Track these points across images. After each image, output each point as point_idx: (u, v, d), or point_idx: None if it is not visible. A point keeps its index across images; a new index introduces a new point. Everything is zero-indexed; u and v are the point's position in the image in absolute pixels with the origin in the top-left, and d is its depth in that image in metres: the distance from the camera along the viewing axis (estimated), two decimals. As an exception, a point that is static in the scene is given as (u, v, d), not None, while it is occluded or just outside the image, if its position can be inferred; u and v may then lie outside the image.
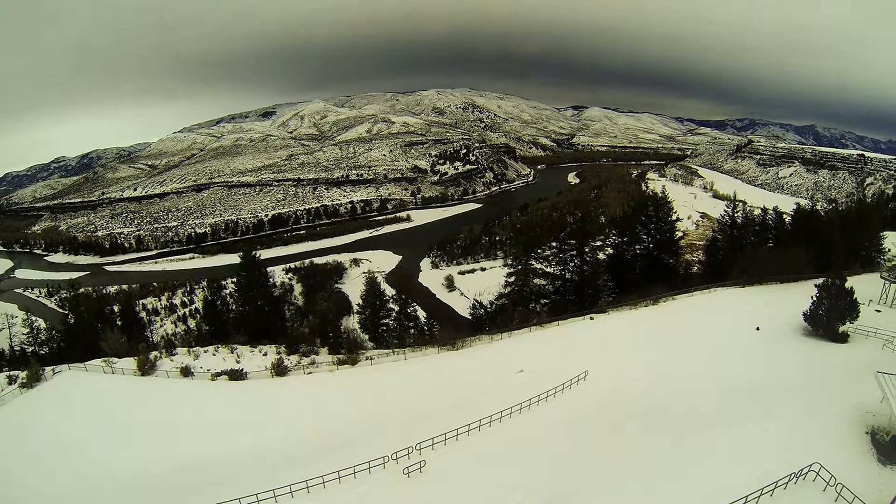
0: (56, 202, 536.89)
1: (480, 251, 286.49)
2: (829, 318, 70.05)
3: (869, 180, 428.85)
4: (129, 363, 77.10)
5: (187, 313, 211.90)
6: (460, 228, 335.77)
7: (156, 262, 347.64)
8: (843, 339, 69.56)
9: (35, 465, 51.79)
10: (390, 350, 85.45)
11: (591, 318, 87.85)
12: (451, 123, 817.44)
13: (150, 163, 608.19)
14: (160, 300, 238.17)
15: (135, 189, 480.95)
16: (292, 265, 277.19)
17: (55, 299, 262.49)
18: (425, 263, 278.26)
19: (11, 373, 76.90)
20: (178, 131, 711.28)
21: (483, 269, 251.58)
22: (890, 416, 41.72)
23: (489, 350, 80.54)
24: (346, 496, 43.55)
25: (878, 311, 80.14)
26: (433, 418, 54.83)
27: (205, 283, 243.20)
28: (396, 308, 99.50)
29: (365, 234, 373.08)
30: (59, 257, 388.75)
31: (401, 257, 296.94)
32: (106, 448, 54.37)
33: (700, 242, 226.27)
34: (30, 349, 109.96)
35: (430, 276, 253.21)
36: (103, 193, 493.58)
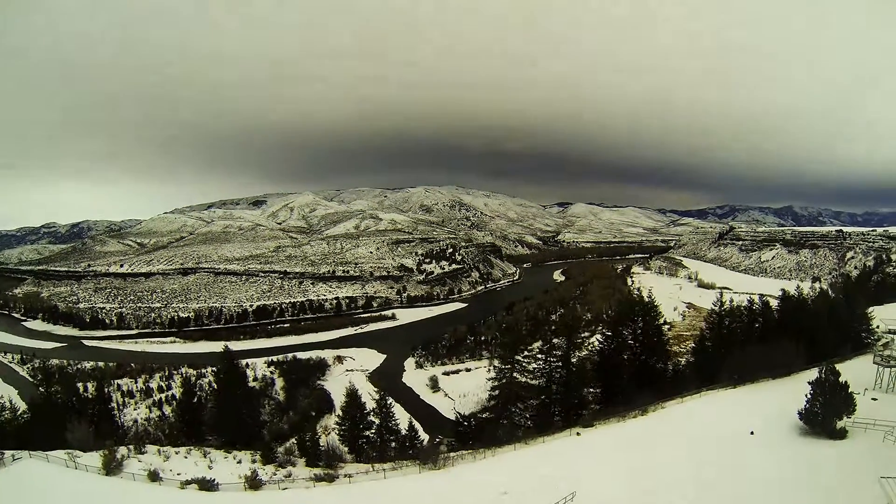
0: (41, 268, 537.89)
1: (465, 351, 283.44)
2: (826, 416, 69.36)
3: (849, 255, 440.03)
4: (95, 459, 73.20)
5: (163, 399, 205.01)
6: (445, 328, 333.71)
7: (135, 342, 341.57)
8: (841, 435, 68.57)
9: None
10: (370, 466, 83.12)
11: (578, 434, 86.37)
12: (438, 221, 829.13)
13: (139, 240, 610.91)
14: (136, 382, 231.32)
15: (121, 265, 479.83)
16: (275, 358, 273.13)
17: (28, 368, 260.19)
18: (409, 363, 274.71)
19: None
20: (170, 212, 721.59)
21: (468, 370, 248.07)
22: None
23: (473, 469, 78.52)
24: None
25: (875, 399, 79.92)
26: None
27: (184, 370, 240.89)
28: (377, 421, 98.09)
29: (349, 330, 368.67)
30: (37, 324, 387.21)
31: (385, 356, 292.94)
32: None
33: (687, 333, 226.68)
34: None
35: (415, 376, 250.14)
36: (89, 265, 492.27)
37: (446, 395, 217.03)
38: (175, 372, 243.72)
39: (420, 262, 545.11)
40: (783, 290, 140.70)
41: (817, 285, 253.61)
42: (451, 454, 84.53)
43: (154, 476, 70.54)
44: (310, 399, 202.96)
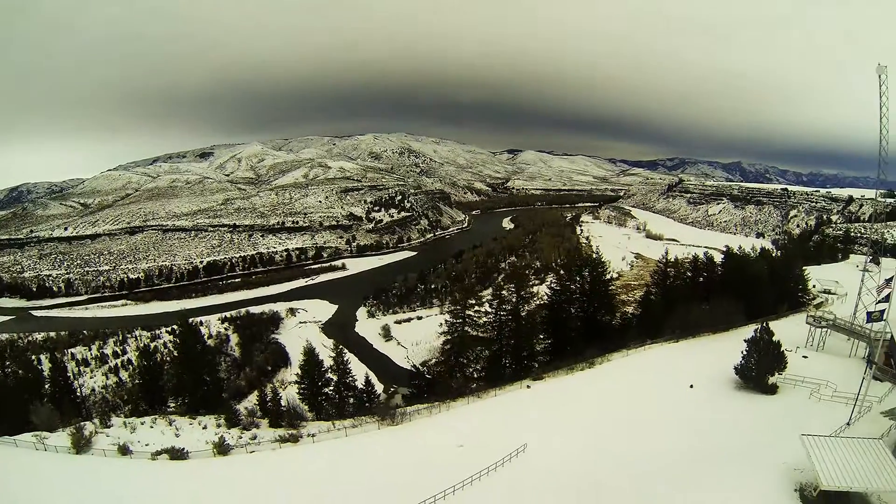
0: None
1: (416, 300, 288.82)
2: (759, 372, 75.31)
3: (793, 213, 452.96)
4: (63, 439, 73.80)
5: (119, 364, 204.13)
6: (396, 277, 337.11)
7: (86, 308, 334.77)
8: (772, 390, 74.90)
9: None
10: (331, 423, 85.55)
11: (528, 387, 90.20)
12: (387, 168, 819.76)
13: (82, 201, 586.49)
14: (90, 350, 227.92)
15: (66, 229, 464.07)
16: (228, 314, 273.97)
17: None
18: (361, 313, 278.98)
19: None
20: (114, 168, 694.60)
21: (419, 318, 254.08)
22: (816, 475, 45.60)
23: (429, 424, 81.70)
24: None
25: (805, 356, 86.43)
26: (380, 501, 55.66)
27: (138, 332, 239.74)
28: (335, 378, 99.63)
29: (301, 282, 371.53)
30: None
31: (337, 306, 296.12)
32: None
33: (635, 283, 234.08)
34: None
35: (367, 326, 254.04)
36: (32, 231, 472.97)
37: (399, 343, 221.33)
38: (129, 335, 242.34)
39: (369, 211, 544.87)
40: (727, 246, 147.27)
41: (760, 242, 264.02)
42: (408, 409, 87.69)
43: (124, 450, 71.89)
44: (265, 354, 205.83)
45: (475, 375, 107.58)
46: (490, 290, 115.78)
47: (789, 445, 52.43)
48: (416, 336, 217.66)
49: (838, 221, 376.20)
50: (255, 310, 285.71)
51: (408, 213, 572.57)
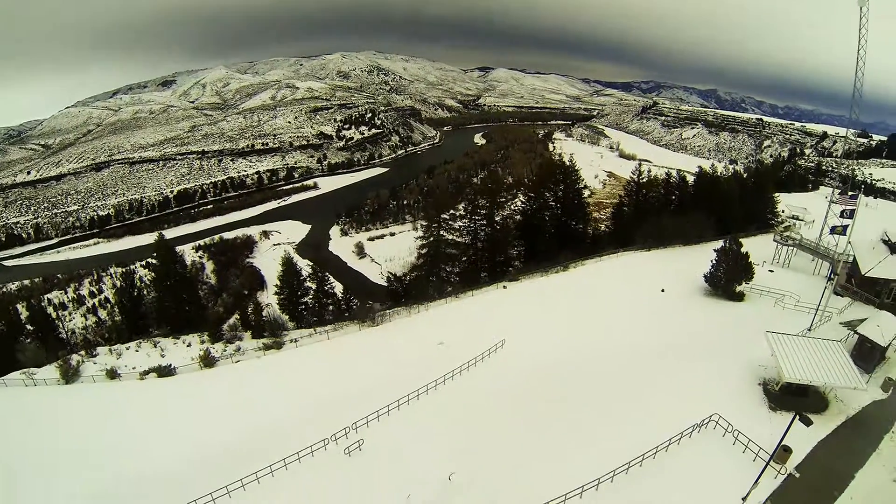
0: None
1: (389, 216, 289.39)
2: (727, 280, 79.06)
3: (766, 143, 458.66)
4: (51, 372, 75.22)
5: (97, 303, 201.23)
6: (368, 194, 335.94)
7: (58, 252, 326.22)
8: (739, 297, 78.89)
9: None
10: (312, 329, 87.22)
11: (504, 287, 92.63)
12: (356, 87, 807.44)
13: (43, 142, 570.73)
14: (66, 293, 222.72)
15: (28, 172, 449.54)
16: (202, 242, 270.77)
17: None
18: (334, 231, 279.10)
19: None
20: (72, 105, 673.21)
21: (392, 235, 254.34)
22: (779, 369, 48.18)
23: (408, 324, 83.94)
24: (294, 483, 45.88)
25: (772, 270, 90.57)
26: (365, 397, 57.54)
27: (113, 271, 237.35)
28: (314, 286, 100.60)
29: (273, 204, 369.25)
30: None
31: (310, 227, 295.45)
32: (44, 467, 52.96)
33: (607, 201, 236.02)
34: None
35: (340, 244, 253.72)
36: None
37: (373, 260, 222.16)
38: (104, 274, 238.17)
39: (339, 129, 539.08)
40: (700, 167, 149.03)
41: (732, 167, 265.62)
42: (387, 311, 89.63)
43: (113, 374, 73.69)
44: (241, 278, 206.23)
45: (452, 280, 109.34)
46: (464, 204, 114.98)
47: (755, 346, 55.63)
48: (390, 252, 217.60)
49: (811, 155, 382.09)
50: (228, 235, 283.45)
51: (378, 130, 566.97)
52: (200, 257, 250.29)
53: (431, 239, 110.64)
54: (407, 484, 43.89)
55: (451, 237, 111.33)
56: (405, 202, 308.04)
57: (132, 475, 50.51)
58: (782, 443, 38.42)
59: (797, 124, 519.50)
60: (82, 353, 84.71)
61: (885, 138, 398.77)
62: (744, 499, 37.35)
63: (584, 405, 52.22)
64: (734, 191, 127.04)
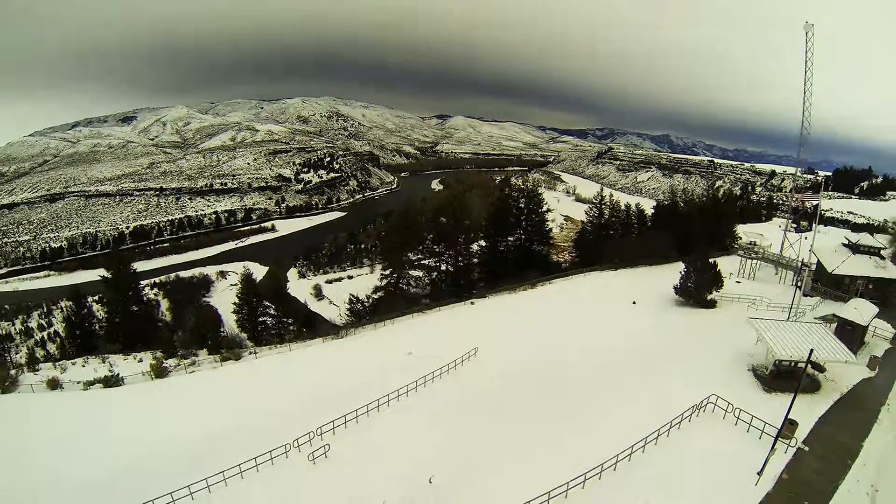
0: None
1: (347, 259, 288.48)
2: (698, 288, 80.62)
3: (719, 183, 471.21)
4: None
5: (46, 337, 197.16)
6: (326, 237, 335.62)
7: (6, 282, 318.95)
8: (711, 304, 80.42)
9: None
10: (273, 344, 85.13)
11: (472, 303, 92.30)
12: (315, 132, 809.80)
13: None
14: (13, 324, 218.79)
15: None
16: (157, 280, 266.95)
17: None
18: (292, 273, 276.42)
19: None
20: (29, 135, 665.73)
21: (350, 277, 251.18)
22: (766, 354, 49.68)
23: (375, 337, 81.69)
24: (251, 491, 42.47)
25: (739, 281, 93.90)
26: (330, 405, 54.00)
27: (63, 304, 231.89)
28: (273, 306, 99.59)
29: (230, 245, 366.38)
30: None
31: (267, 268, 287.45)
32: None
33: (565, 244, 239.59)
34: None
35: (298, 286, 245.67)
36: None
37: (331, 302, 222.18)
38: (54, 307, 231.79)
39: (298, 172, 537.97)
40: (657, 201, 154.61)
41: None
42: (352, 328, 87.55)
43: (54, 384, 69.48)
44: (198, 315, 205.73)
45: (417, 299, 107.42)
46: (421, 249, 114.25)
47: (736, 340, 57.43)
48: (347, 295, 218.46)
49: (761, 192, 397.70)
50: (185, 274, 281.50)
51: (337, 175, 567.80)
52: (156, 295, 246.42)
53: (392, 279, 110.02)
54: (381, 489, 41.16)
55: (415, 258, 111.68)
56: (363, 246, 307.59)
57: (66, 482, 46.49)
58: (788, 416, 38.95)
59: (747, 165, 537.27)
60: (24, 366, 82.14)
61: (829, 174, 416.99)
62: (759, 472, 37.15)
63: (575, 400, 51.58)
64: (694, 213, 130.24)
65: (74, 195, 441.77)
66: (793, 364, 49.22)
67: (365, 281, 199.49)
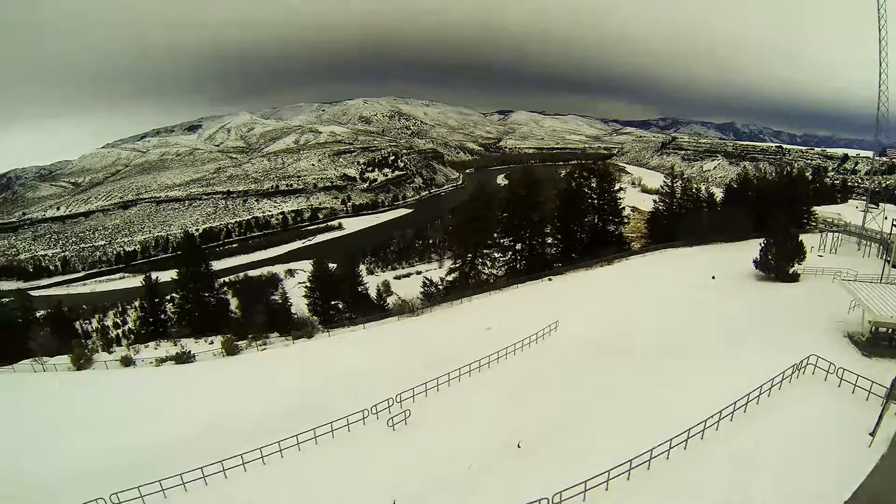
0: None
1: (415, 255, 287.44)
2: (779, 261, 75.66)
3: (788, 169, 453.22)
4: (63, 360, 72.54)
5: (121, 334, 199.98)
6: (393, 234, 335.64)
7: (84, 284, 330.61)
8: (794, 278, 75.30)
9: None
10: (345, 326, 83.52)
11: (550, 280, 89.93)
12: (378, 132, 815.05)
13: (73, 180, 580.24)
14: (91, 323, 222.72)
15: (58, 208, 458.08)
16: (226, 279, 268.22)
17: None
18: (360, 270, 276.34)
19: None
20: (102, 147, 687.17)
21: (419, 273, 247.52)
22: (862, 319, 47.13)
23: (452, 313, 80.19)
24: (330, 455, 41.14)
25: (821, 255, 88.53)
26: (407, 376, 52.29)
27: (137, 303, 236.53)
28: (347, 286, 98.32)
29: (297, 244, 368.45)
30: None
31: (335, 265, 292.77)
32: (45, 443, 48.76)
33: (633, 235, 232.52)
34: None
35: (367, 282, 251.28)
36: (24, 214, 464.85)
37: (400, 298, 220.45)
38: (128, 307, 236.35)
39: (363, 171, 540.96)
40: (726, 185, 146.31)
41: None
42: (428, 307, 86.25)
43: (127, 361, 70.26)
44: (267, 312, 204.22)
45: (492, 281, 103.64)
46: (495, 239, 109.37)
47: (827, 309, 54.46)
48: (417, 290, 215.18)
49: (833, 176, 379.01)
50: (253, 273, 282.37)
51: (402, 172, 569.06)
52: (225, 293, 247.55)
53: (466, 261, 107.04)
54: (466, 453, 39.19)
55: (487, 251, 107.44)
56: (431, 241, 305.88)
57: (137, 445, 46.50)
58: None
59: (817, 149, 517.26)
60: (98, 345, 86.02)
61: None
62: (872, 433, 34.59)
63: (665, 368, 48.37)
64: (768, 191, 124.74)
65: (146, 201, 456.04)
66: (891, 331, 46.33)
67: (434, 275, 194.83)
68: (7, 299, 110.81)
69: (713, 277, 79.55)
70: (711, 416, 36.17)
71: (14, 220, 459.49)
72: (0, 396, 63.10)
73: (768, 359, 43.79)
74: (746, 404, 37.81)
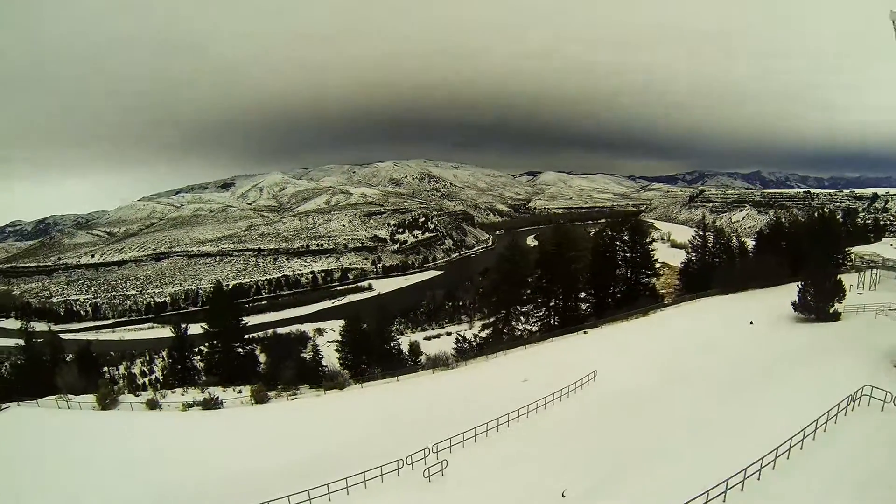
0: (10, 266, 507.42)
1: (445, 316, 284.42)
2: (819, 302, 73.12)
3: (818, 212, 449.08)
4: (88, 398, 71.57)
5: (147, 382, 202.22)
6: (423, 295, 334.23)
7: (113, 332, 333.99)
8: (835, 317, 72.40)
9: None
10: (378, 377, 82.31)
11: (585, 333, 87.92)
12: (408, 193, 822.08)
13: (108, 230, 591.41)
14: (118, 369, 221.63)
15: (92, 256, 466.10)
16: (255, 335, 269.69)
17: (6, 367, 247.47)
18: (391, 328, 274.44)
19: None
20: (138, 200, 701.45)
21: (448, 334, 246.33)
22: None
23: (487, 367, 78.78)
24: None
25: (860, 293, 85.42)
26: (441, 427, 50.30)
27: (164, 353, 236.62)
28: (378, 341, 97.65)
29: (327, 303, 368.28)
30: (10, 323, 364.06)
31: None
32: (64, 484, 47.51)
33: (664, 291, 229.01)
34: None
35: (399, 339, 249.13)
36: (60, 258, 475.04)
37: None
38: (156, 356, 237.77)
39: (393, 233, 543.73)
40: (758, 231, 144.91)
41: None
42: (462, 361, 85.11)
43: (153, 404, 69.22)
44: (295, 369, 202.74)
45: (526, 336, 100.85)
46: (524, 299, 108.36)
47: (874, 343, 52.81)
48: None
49: (864, 216, 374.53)
50: (282, 330, 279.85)
51: (432, 234, 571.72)
52: (253, 349, 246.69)
53: (500, 318, 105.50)
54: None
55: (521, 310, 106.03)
56: (461, 303, 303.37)
57: (163, 487, 45.67)
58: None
59: (845, 191, 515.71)
60: (125, 387, 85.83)
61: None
62: None
63: (714, 411, 45.73)
64: (801, 231, 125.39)
65: (178, 254, 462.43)
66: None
67: (466, 335, 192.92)
68: (38, 340, 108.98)
69: (751, 322, 77.68)
70: (768, 454, 33.65)
71: (49, 263, 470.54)
72: (23, 432, 62.05)
73: (820, 394, 41.79)
74: (803, 440, 35.66)
